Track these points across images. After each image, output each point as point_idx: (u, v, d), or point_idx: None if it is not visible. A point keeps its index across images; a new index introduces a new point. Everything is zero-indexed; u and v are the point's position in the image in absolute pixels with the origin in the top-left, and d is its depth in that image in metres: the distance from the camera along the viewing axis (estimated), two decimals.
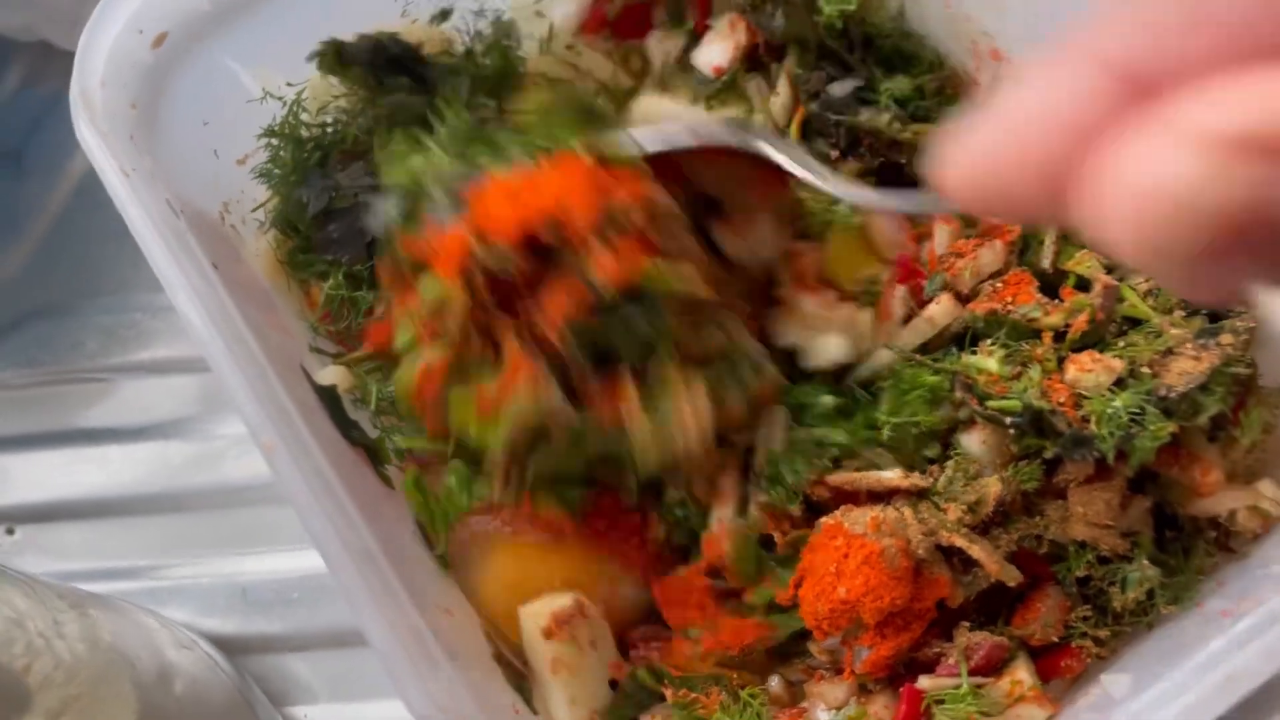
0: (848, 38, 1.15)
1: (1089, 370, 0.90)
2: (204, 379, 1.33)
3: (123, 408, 1.33)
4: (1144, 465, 0.91)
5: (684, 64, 1.23)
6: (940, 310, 0.99)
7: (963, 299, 1.00)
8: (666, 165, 0.92)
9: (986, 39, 1.10)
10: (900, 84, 1.11)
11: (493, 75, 1.24)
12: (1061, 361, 0.92)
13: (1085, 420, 0.88)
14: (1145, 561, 0.92)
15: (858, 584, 0.86)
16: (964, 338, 0.98)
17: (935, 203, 0.83)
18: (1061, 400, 0.89)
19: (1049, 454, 0.90)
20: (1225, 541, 0.97)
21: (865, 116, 1.11)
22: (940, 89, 1.16)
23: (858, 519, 0.89)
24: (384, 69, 1.16)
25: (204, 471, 1.29)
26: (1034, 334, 0.94)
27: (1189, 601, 0.91)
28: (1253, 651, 0.71)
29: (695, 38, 1.22)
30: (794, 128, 1.13)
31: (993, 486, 0.89)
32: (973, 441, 0.93)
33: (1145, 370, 0.90)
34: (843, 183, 0.92)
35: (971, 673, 0.88)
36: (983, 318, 0.96)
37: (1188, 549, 0.96)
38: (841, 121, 1.11)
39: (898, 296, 1.02)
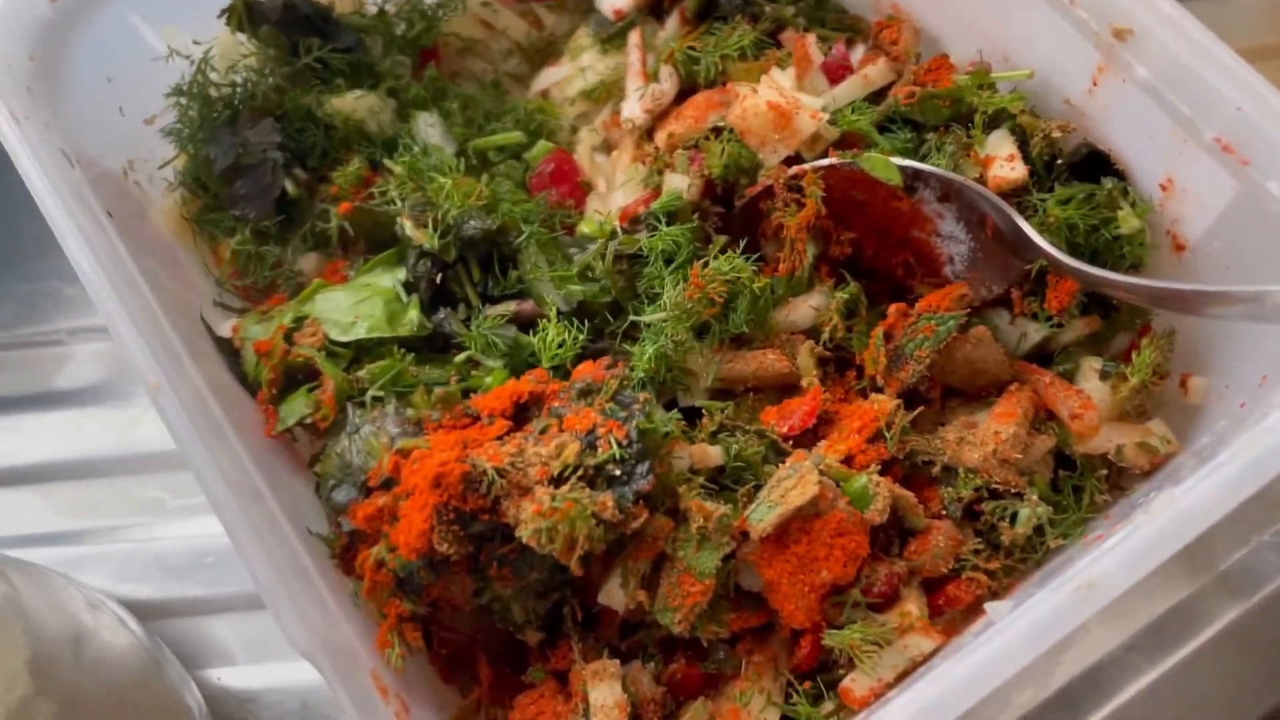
0: None
1: None
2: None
3: (38, 375, 1.32)
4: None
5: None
6: (876, 70, 1.06)
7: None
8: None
9: None
10: None
11: (406, 34, 1.24)
12: None
13: None
14: (1035, 498, 0.93)
15: (837, 558, 0.87)
16: None
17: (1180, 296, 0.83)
18: None
19: None
20: (1118, 480, 0.98)
21: (770, 7, 1.14)
22: (849, 23, 1.18)
23: (798, 496, 0.89)
24: (295, 28, 1.16)
25: (118, 438, 1.29)
26: None
27: (1078, 537, 0.92)
28: (1111, 562, 0.72)
29: None
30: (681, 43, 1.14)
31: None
32: None
33: None
34: (1074, 261, 0.92)
35: (872, 605, 0.90)
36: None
37: (1080, 487, 0.97)
38: (750, 4, 1.14)
39: (812, 42, 1.08)
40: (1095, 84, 0.91)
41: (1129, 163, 0.94)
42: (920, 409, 0.98)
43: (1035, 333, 1.01)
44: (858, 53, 1.11)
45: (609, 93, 1.19)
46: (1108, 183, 0.95)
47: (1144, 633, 1.06)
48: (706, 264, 0.98)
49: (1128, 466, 0.96)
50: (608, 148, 1.18)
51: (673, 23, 1.17)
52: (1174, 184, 0.90)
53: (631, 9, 1.19)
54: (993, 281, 1.00)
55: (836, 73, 1.08)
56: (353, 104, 1.16)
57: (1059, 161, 0.96)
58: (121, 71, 1.11)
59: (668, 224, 1.02)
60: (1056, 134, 0.95)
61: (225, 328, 1.04)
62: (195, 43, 1.14)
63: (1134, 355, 0.98)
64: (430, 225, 1.02)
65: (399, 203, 1.06)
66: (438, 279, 1.03)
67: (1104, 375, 0.98)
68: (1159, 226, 0.95)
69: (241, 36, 1.16)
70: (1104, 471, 0.97)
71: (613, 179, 1.14)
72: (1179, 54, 0.82)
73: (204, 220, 1.14)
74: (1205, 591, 1.07)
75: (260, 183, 1.11)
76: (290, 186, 1.11)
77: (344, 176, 1.10)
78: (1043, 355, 1.03)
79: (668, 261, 1.01)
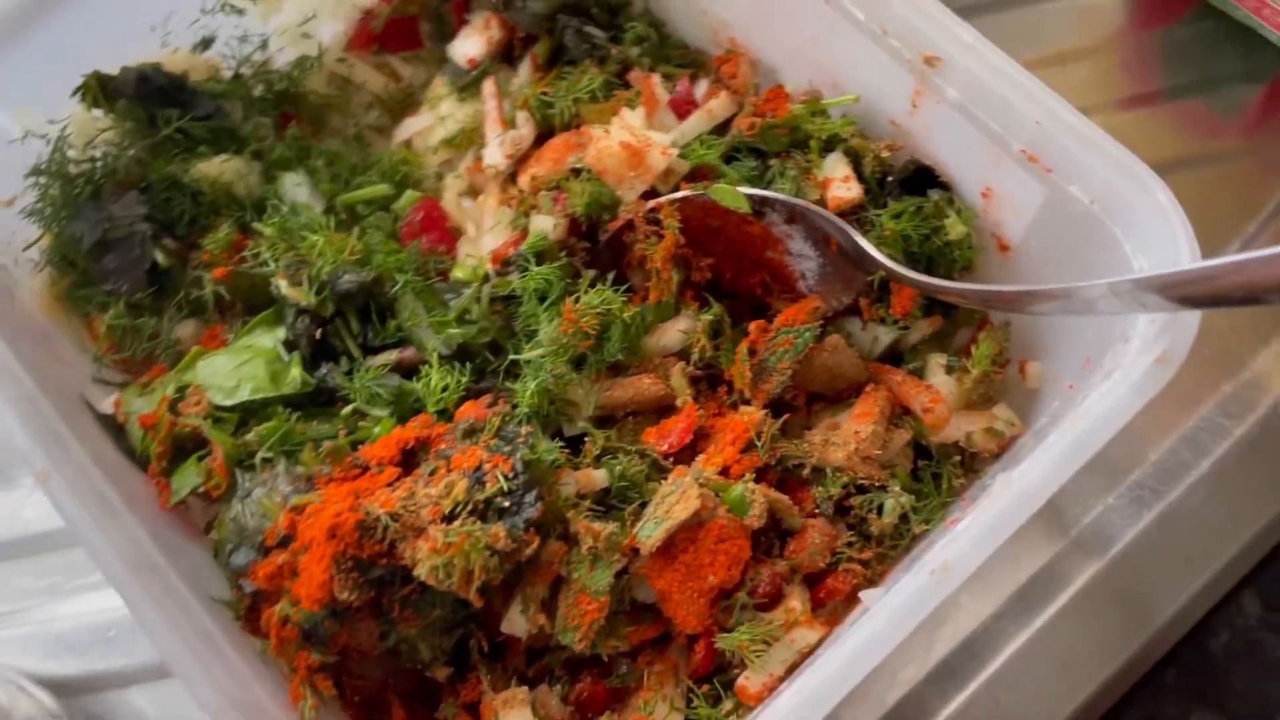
0: (592, 1, 1.23)
1: None
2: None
3: None
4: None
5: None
6: (719, 103, 1.12)
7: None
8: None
9: (724, 28, 1.18)
10: (645, 29, 1.22)
11: (266, 98, 1.26)
12: None
13: None
14: (898, 488, 1.01)
15: (721, 563, 0.92)
16: None
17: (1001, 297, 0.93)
18: None
19: None
20: (971, 464, 1.07)
21: (617, 50, 1.20)
22: (691, 60, 1.25)
23: (682, 510, 0.94)
24: (151, 99, 1.17)
25: (5, 522, 1.27)
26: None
27: (938, 522, 1.00)
28: (962, 543, 0.80)
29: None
30: (535, 89, 1.20)
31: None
32: None
33: None
34: (907, 270, 1.01)
35: (759, 605, 0.96)
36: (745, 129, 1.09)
37: (938, 474, 1.05)
38: (595, 51, 1.20)
39: (656, 84, 1.14)
40: (915, 105, 0.99)
41: (952, 175, 1.03)
42: (787, 416, 1.05)
43: (885, 335, 1.09)
44: (701, 87, 1.18)
45: (470, 139, 1.24)
46: (934, 194, 1.03)
47: (1011, 600, 1.14)
48: (578, 299, 1.03)
49: (978, 451, 1.05)
50: (473, 192, 1.22)
51: (525, 69, 1.22)
52: (993, 191, 0.99)
53: (484, 57, 1.24)
54: (842, 293, 1.08)
55: (683, 108, 1.15)
56: (219, 168, 1.18)
57: (890, 179, 1.04)
58: None
59: (537, 264, 1.07)
60: (885, 154, 1.03)
61: (107, 404, 1.04)
62: (50, 122, 1.14)
63: (973, 349, 1.07)
64: (305, 283, 1.05)
65: (272, 263, 1.09)
66: (317, 335, 1.05)
67: (949, 370, 1.06)
68: (984, 230, 1.04)
69: (98, 112, 1.16)
70: (958, 457, 1.06)
71: (481, 223, 1.19)
72: (982, 77, 0.91)
73: (75, 297, 1.14)
74: (1062, 556, 1.16)
75: (130, 256, 1.12)
76: (161, 257, 1.12)
77: (215, 243, 1.12)
78: (894, 355, 1.11)
79: (541, 299, 1.06)
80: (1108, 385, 0.83)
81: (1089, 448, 0.80)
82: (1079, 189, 0.89)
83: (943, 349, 1.11)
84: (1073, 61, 1.40)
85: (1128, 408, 0.80)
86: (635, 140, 1.08)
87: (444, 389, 1.02)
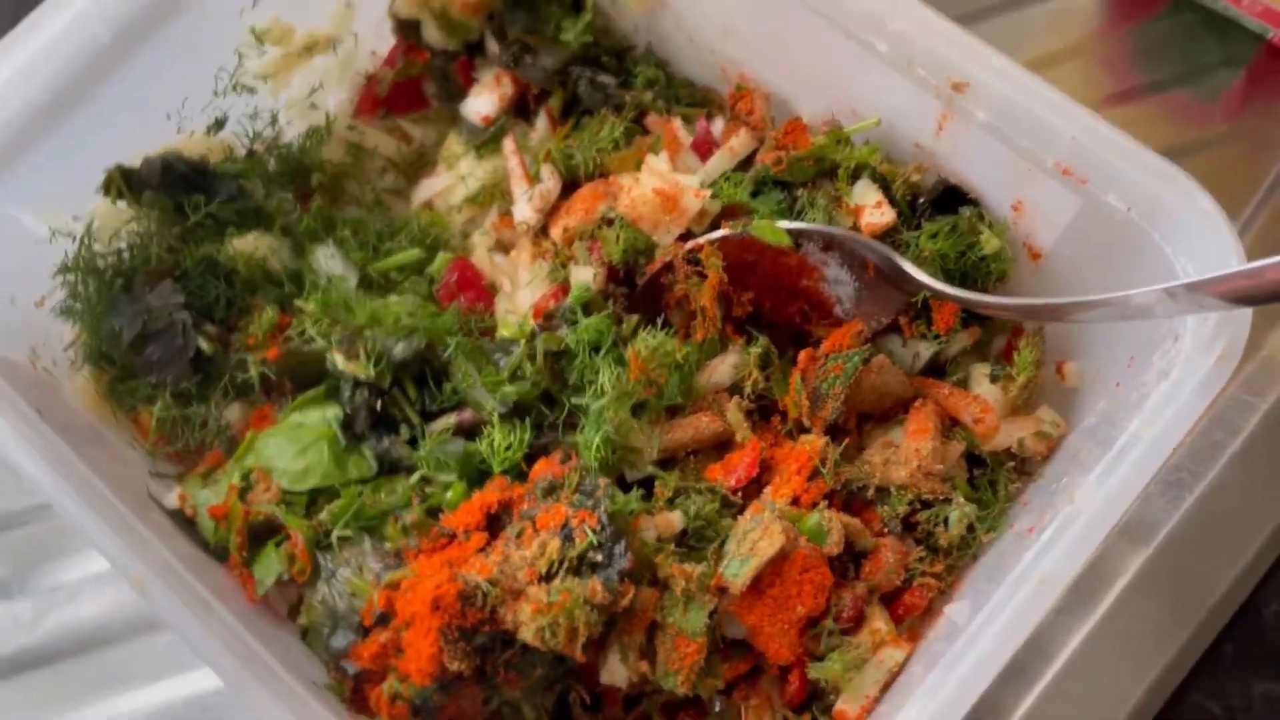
0: (601, 48, 1.26)
1: None
2: (32, 530, 1.31)
3: None
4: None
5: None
6: (740, 140, 1.14)
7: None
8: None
9: (733, 65, 1.21)
10: (655, 71, 1.25)
11: (283, 170, 1.27)
12: None
13: None
14: (961, 499, 1.04)
15: (808, 592, 0.95)
16: None
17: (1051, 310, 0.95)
18: None
19: None
20: (1023, 467, 1.10)
21: (630, 95, 1.23)
22: (701, 98, 1.27)
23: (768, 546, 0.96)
24: (176, 187, 1.17)
25: (59, 620, 1.26)
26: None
27: (1004, 526, 1.03)
28: (1057, 554, 0.83)
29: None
30: (556, 138, 1.22)
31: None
32: None
33: None
34: (952, 288, 1.03)
35: (844, 630, 0.98)
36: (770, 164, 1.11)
37: (994, 481, 1.09)
38: (610, 97, 1.22)
39: (679, 125, 1.17)
40: (941, 129, 1.02)
41: (982, 191, 1.06)
42: (844, 440, 1.08)
43: (926, 350, 1.12)
44: (718, 125, 1.21)
45: (492, 195, 1.25)
46: (966, 211, 1.06)
47: (1068, 595, 1.18)
48: (638, 349, 1.04)
49: (1030, 455, 1.08)
50: (502, 247, 1.24)
51: (542, 123, 1.24)
52: (1024, 205, 1.03)
53: (499, 114, 1.26)
54: (880, 314, 1.11)
55: (704, 148, 1.17)
56: (254, 243, 1.18)
57: (921, 200, 1.07)
58: (5, 261, 1.10)
59: (585, 314, 1.09)
60: (915, 177, 1.06)
61: (172, 499, 1.04)
62: (74, 219, 1.14)
63: (1014, 355, 1.10)
64: (361, 355, 1.06)
65: (319, 339, 1.09)
66: (377, 406, 1.06)
67: (993, 379, 1.10)
68: (1016, 241, 1.07)
69: (121, 203, 1.16)
70: (1010, 463, 1.09)
71: (515, 277, 1.20)
72: (1013, 98, 0.94)
73: (119, 392, 1.13)
74: (1112, 547, 1.20)
75: (173, 346, 1.12)
76: (204, 344, 1.12)
77: (259, 326, 1.12)
78: (936, 368, 1.14)
79: (594, 349, 1.08)
80: (1169, 386, 0.87)
81: (1165, 448, 0.83)
82: (1116, 197, 0.93)
83: (982, 358, 1.14)
84: (1056, 64, 1.44)
85: (1196, 407, 0.84)
86: (668, 185, 1.10)
87: (507, 448, 1.03)
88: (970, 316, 1.12)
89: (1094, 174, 0.93)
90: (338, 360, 1.06)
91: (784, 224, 1.06)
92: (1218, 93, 1.41)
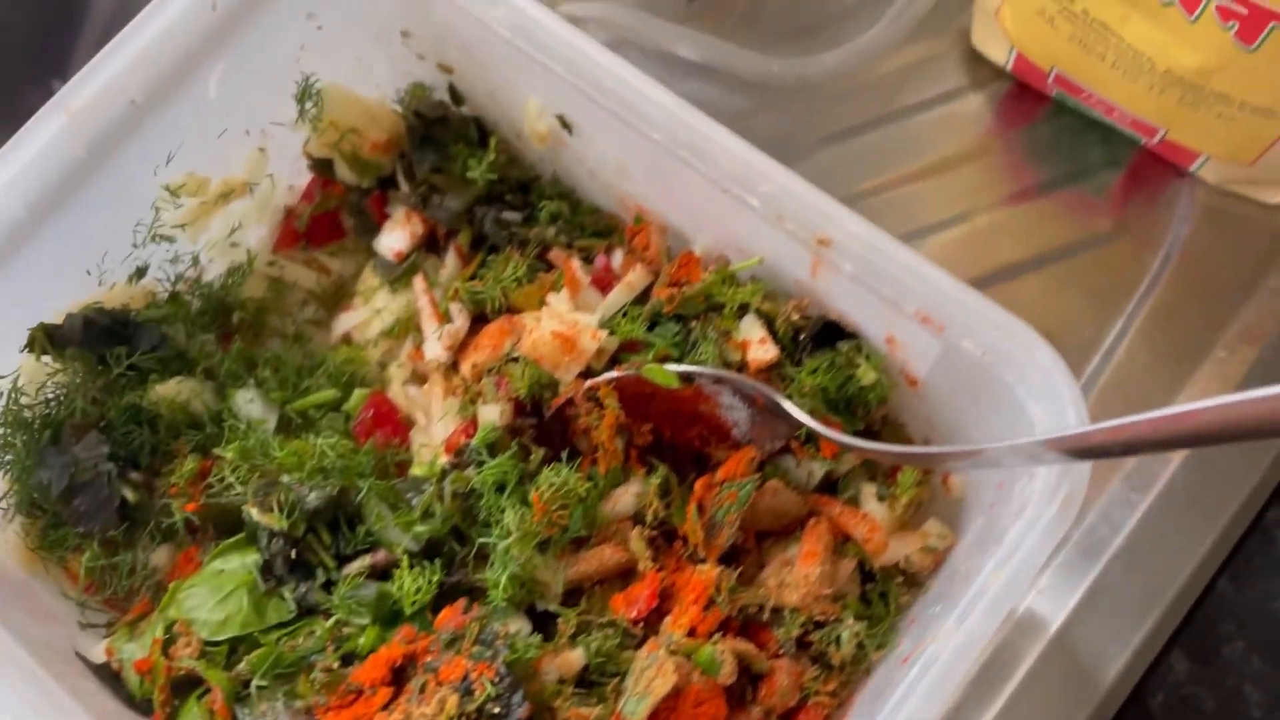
0: (506, 184, 1.32)
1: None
2: None
3: None
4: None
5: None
6: (636, 276, 1.20)
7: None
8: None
9: (631, 198, 1.27)
10: (558, 205, 1.31)
11: (205, 312, 1.32)
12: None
13: None
14: (851, 619, 1.10)
15: None
16: None
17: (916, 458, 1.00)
18: None
19: None
20: (913, 579, 1.17)
21: (534, 231, 1.28)
22: (605, 225, 1.33)
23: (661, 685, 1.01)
24: (99, 341, 1.21)
25: None
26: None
27: (892, 644, 1.09)
28: (921, 694, 0.89)
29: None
30: (463, 276, 1.28)
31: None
32: None
33: None
34: (825, 428, 1.09)
35: None
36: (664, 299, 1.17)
37: (885, 593, 1.15)
38: (514, 235, 1.28)
39: (576, 268, 1.22)
40: (815, 273, 1.09)
41: (858, 326, 1.12)
42: (741, 567, 1.14)
43: (819, 469, 1.18)
44: (618, 258, 1.27)
45: (406, 328, 1.31)
46: (844, 346, 1.13)
47: (967, 689, 1.24)
48: (541, 488, 1.10)
49: (916, 571, 1.14)
50: (418, 378, 1.29)
51: (451, 259, 1.30)
52: (896, 340, 1.09)
53: (410, 250, 1.32)
54: (774, 438, 1.17)
55: (605, 282, 1.23)
56: (175, 389, 1.24)
57: (802, 336, 1.14)
58: None
59: (490, 455, 1.15)
60: (794, 316, 1.12)
61: (98, 652, 1.09)
62: (0, 377, 1.19)
63: (899, 476, 1.17)
64: (275, 508, 1.11)
65: (239, 486, 1.15)
66: (292, 554, 1.11)
67: (880, 497, 1.16)
68: (895, 367, 1.14)
69: (47, 358, 1.21)
70: (900, 578, 1.15)
71: (430, 410, 1.26)
72: (871, 258, 1.01)
73: (49, 543, 1.18)
74: (1007, 641, 1.26)
75: (99, 497, 1.17)
76: (130, 493, 1.17)
77: (180, 476, 1.17)
78: (830, 484, 1.20)
79: (500, 488, 1.13)
80: (1022, 526, 0.93)
81: (1016, 592, 0.90)
82: (970, 344, 0.99)
83: (872, 475, 1.20)
84: (954, 168, 1.51)
85: (1043, 549, 0.90)
86: (565, 328, 1.16)
87: (417, 590, 1.09)
88: (858, 435, 1.18)
89: (948, 324, 0.99)
90: (253, 513, 1.11)
91: (673, 367, 1.13)
92: (1103, 190, 1.49)
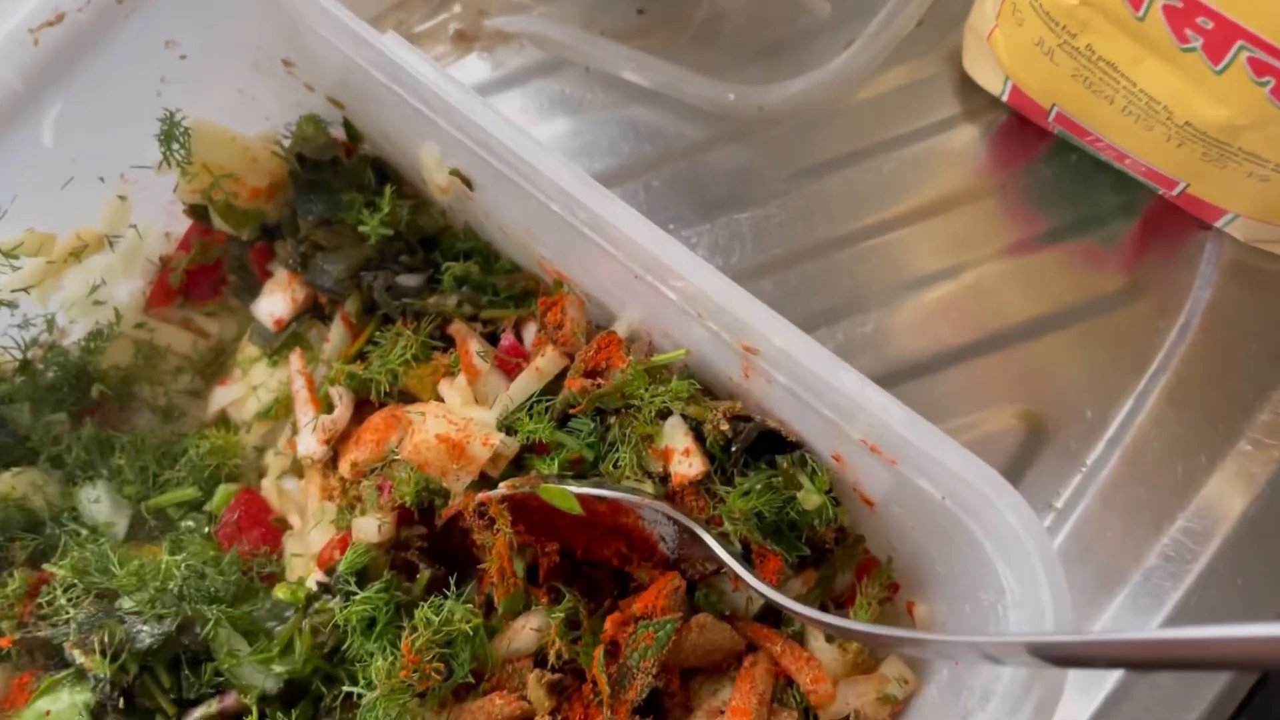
0: (405, 241, 1.13)
1: None
2: None
3: None
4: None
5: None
6: (546, 361, 1.01)
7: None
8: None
9: (548, 261, 1.08)
10: (465, 267, 1.10)
11: (59, 383, 1.14)
12: None
13: None
14: None
15: None
16: None
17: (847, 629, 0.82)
18: None
19: None
20: None
21: (433, 300, 1.08)
22: (522, 288, 1.14)
23: None
24: None
25: None
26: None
27: None
28: None
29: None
30: (348, 353, 1.09)
31: None
32: None
33: None
34: (755, 579, 0.91)
35: None
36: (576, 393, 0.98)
37: None
38: (408, 306, 1.08)
39: (475, 352, 1.03)
40: (746, 376, 0.89)
41: (800, 436, 0.93)
42: (665, 707, 0.96)
43: (759, 596, 0.99)
44: (530, 332, 1.07)
45: (287, 408, 1.12)
46: (784, 461, 0.93)
47: None
48: (417, 630, 0.92)
49: None
50: (298, 470, 1.11)
51: (336, 330, 1.11)
52: (844, 459, 0.90)
53: (290, 316, 1.13)
54: (706, 560, 0.98)
55: (511, 366, 1.04)
56: (10, 482, 1.06)
57: (734, 447, 0.94)
58: None
59: (359, 583, 0.96)
60: (724, 425, 0.93)
61: None
62: None
63: (852, 612, 0.98)
64: (97, 649, 0.93)
65: (70, 610, 0.97)
66: (121, 704, 0.94)
67: (830, 638, 0.97)
68: (845, 483, 0.94)
69: None
70: None
71: (306, 511, 1.07)
72: (805, 376, 0.81)
73: None
74: None
75: None
76: None
77: (6, 594, 0.99)
78: (774, 610, 1.01)
79: (371, 624, 0.95)
80: None
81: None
82: (928, 484, 0.80)
83: (821, 603, 1.01)
84: (943, 211, 1.30)
85: None
86: (454, 431, 0.97)
87: None
88: (804, 559, 0.99)
89: (900, 459, 0.80)
90: (75, 655, 0.93)
91: (575, 488, 0.93)
92: (1114, 241, 1.27)
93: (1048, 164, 1.30)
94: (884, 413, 0.77)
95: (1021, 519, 0.73)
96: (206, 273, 1.21)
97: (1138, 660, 0.61)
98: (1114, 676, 1.08)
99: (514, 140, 0.86)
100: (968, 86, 1.33)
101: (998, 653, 0.69)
